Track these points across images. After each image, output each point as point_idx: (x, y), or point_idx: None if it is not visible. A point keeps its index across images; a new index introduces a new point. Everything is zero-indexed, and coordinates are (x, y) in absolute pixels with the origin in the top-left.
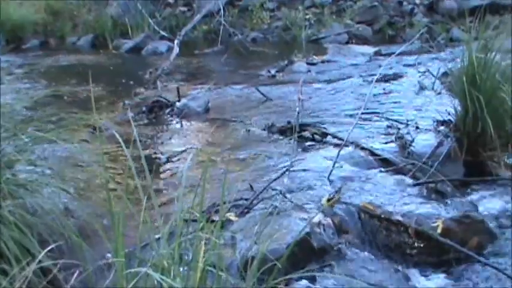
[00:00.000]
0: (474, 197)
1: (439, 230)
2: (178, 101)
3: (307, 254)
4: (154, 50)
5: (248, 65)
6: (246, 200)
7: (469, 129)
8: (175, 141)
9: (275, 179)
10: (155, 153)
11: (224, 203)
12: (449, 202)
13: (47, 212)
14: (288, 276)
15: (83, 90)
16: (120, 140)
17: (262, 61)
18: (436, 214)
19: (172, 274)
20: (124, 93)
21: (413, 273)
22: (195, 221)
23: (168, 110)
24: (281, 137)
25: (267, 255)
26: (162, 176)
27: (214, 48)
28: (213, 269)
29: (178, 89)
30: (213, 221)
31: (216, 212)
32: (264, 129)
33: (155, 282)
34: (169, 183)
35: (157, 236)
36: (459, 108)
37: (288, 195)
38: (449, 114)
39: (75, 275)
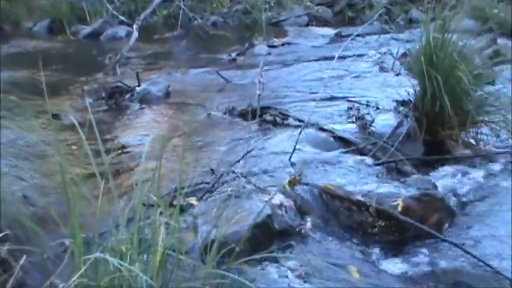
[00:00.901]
0: (434, 175)
1: (399, 209)
2: (138, 86)
3: (268, 235)
4: (113, 35)
5: (208, 49)
6: (207, 183)
7: (427, 109)
8: (136, 126)
9: (236, 162)
10: (114, 138)
11: (184, 187)
12: (409, 181)
13: (4, 200)
14: (247, 258)
15: (41, 76)
16: (78, 126)
17: (223, 45)
18: (396, 193)
19: (131, 259)
20: (83, 80)
21: (375, 252)
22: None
23: (128, 96)
24: (242, 121)
25: (228, 238)
26: (121, 161)
27: (174, 33)
28: (173, 252)
29: (137, 74)
30: (173, 206)
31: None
32: (225, 113)
33: (113, 267)
34: (128, 168)
35: (116, 221)
36: (418, 88)
37: (250, 178)
38: (408, 94)
39: (23, 258)
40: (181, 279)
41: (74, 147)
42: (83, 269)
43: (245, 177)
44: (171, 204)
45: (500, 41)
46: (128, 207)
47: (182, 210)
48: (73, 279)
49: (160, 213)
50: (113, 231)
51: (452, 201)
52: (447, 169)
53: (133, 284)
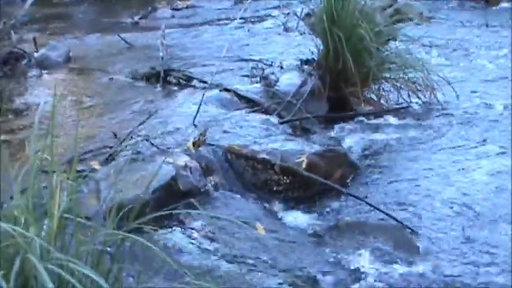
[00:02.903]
0: (337, 131)
1: (303, 165)
2: (36, 51)
3: (173, 197)
4: None
5: (110, 13)
6: (110, 147)
7: (331, 67)
8: (34, 92)
9: (138, 125)
10: (10, 104)
11: (86, 152)
12: (313, 138)
13: None
14: (148, 217)
15: None
16: None
17: (125, 8)
18: (300, 150)
19: (26, 224)
20: None
21: (281, 208)
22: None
23: (25, 61)
24: (146, 84)
25: (131, 201)
26: (18, 127)
27: None
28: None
29: (34, 39)
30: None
31: (78, 161)
32: (128, 77)
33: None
34: (26, 133)
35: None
36: (321, 47)
37: (154, 141)
38: (312, 53)
39: None
40: (80, 243)
41: None
42: None
43: (149, 140)
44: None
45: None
46: (23, 172)
47: (85, 175)
48: None
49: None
50: (6, 196)
51: (356, 156)
52: (350, 125)
53: (29, 249)
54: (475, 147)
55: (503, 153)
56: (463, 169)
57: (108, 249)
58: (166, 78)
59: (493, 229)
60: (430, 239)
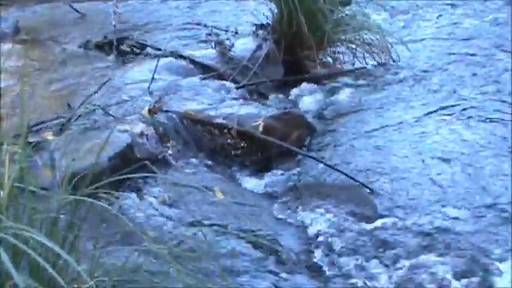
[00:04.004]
0: (293, 95)
1: (260, 129)
2: None
3: (130, 164)
4: None
5: None
6: (64, 117)
7: (285, 31)
8: None
9: (92, 95)
10: None
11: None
12: (270, 102)
13: None
14: (102, 182)
15: None
16: None
17: None
18: (257, 114)
19: None
20: None
21: (239, 173)
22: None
23: None
24: (98, 53)
25: (86, 170)
26: None
27: None
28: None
29: None
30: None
31: (31, 132)
32: (81, 47)
33: None
34: None
35: None
36: (276, 10)
37: (108, 109)
38: (267, 17)
39: None
40: (34, 212)
41: None
42: None
43: (103, 109)
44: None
45: None
46: None
47: (37, 146)
48: None
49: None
50: None
51: (312, 118)
52: (306, 88)
53: None
54: (430, 104)
55: (457, 108)
56: (419, 127)
57: (62, 216)
58: (119, 46)
59: (448, 182)
60: (388, 197)
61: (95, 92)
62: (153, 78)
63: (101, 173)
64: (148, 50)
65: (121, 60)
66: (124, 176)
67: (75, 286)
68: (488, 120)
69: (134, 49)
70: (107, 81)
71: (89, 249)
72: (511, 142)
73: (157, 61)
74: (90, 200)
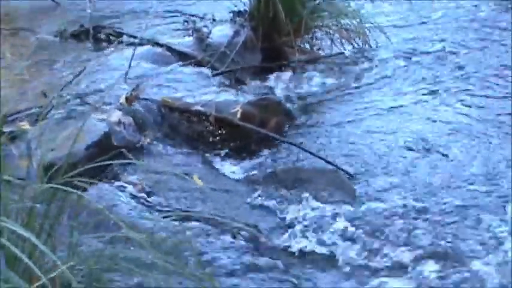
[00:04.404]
0: (271, 81)
1: (238, 115)
2: None
3: (108, 153)
4: None
5: None
6: (40, 107)
7: (263, 17)
8: None
9: (68, 83)
10: None
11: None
12: (248, 88)
13: None
14: (79, 169)
15: None
16: None
17: None
18: (235, 101)
19: None
20: None
21: (218, 159)
22: None
23: None
24: (75, 42)
25: (63, 159)
26: None
27: None
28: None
29: None
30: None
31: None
32: (56, 36)
33: None
34: None
35: None
36: None
37: (85, 99)
38: (244, 4)
39: None
40: (9, 202)
41: None
42: None
43: (80, 98)
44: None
45: None
46: None
47: (13, 136)
48: None
49: None
50: None
51: (290, 105)
52: (284, 74)
53: None
54: (408, 89)
55: (434, 92)
56: (397, 112)
57: (38, 205)
58: (95, 35)
59: (426, 166)
60: (367, 182)
61: (71, 81)
62: (130, 66)
63: (79, 162)
64: (125, 38)
65: (97, 49)
66: (100, 163)
67: (53, 275)
68: (466, 104)
69: (111, 37)
70: (82, 70)
71: (66, 238)
72: (489, 125)
73: (134, 49)
74: (66, 188)
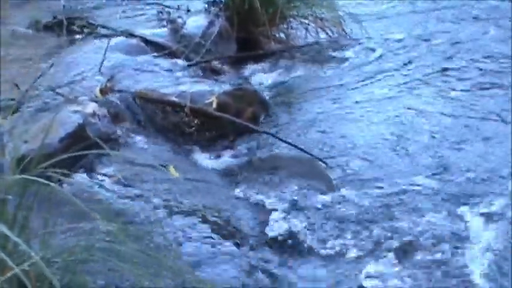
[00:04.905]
0: (247, 71)
1: (214, 105)
2: None
3: (83, 145)
4: None
5: None
6: (13, 99)
7: (238, 7)
8: None
9: (41, 75)
10: None
11: None
12: (223, 79)
13: None
14: (53, 160)
15: None
16: None
17: None
18: (210, 91)
19: None
20: None
21: (194, 150)
22: None
23: None
24: (48, 34)
25: (37, 151)
26: None
27: None
28: None
29: None
30: None
31: None
32: (29, 28)
33: None
34: None
35: None
36: None
37: (59, 90)
38: None
39: None
40: None
41: None
42: None
43: (53, 90)
44: None
45: None
46: None
47: None
48: None
49: None
50: None
51: (266, 94)
52: (260, 64)
53: None
54: (383, 78)
55: (409, 81)
56: (372, 101)
57: (11, 197)
58: (69, 26)
59: (402, 154)
60: (342, 171)
61: (44, 73)
62: (104, 57)
63: (53, 154)
64: (99, 29)
65: (71, 41)
66: (75, 154)
67: (26, 267)
68: (443, 94)
69: (84, 29)
70: (56, 62)
71: (40, 230)
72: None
73: (108, 40)
74: (40, 180)
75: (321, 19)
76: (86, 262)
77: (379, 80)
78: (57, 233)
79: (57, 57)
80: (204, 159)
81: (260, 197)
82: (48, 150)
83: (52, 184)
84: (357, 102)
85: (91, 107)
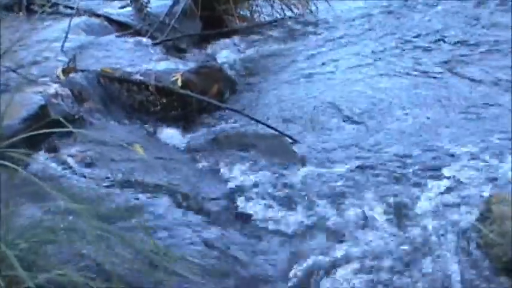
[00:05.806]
0: (212, 49)
1: (179, 83)
2: None
3: (45, 125)
4: None
5: None
6: None
7: None
8: None
9: (1, 56)
10: None
11: None
12: (188, 57)
13: None
14: (12, 140)
15: None
16: None
17: None
18: (175, 69)
19: None
20: None
21: (159, 128)
22: None
23: None
24: (8, 14)
25: None
26: None
27: None
28: None
29: None
30: None
31: None
32: None
33: None
34: None
35: None
36: None
37: (20, 71)
38: None
39: None
40: None
41: None
42: None
43: (14, 70)
44: None
45: None
46: None
47: None
48: None
49: None
50: None
51: (231, 71)
52: (225, 42)
53: None
54: (347, 55)
55: (373, 57)
56: (337, 77)
57: None
58: (29, 6)
59: (366, 130)
60: (309, 147)
61: (4, 54)
62: (66, 37)
63: (14, 135)
64: (60, 8)
65: (32, 20)
66: (36, 132)
67: None
68: (400, 71)
69: (45, 8)
70: (16, 42)
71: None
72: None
73: (70, 20)
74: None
75: None
76: (49, 243)
77: (344, 57)
78: (20, 214)
79: (18, 37)
80: (170, 137)
81: (226, 173)
82: (9, 132)
83: (11, 165)
84: (323, 77)
85: (53, 88)
